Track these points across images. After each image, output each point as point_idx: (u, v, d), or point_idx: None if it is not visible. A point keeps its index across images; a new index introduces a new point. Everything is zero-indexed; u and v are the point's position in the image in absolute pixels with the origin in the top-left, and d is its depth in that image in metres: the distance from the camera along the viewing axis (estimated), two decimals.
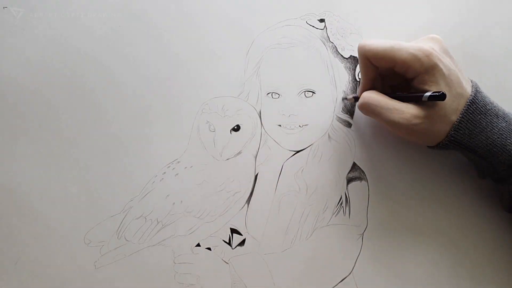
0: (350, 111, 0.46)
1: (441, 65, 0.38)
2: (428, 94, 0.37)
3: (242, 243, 0.45)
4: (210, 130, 0.45)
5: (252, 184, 0.45)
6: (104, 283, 0.44)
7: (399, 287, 0.45)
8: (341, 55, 0.46)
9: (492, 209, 0.45)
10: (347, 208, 0.45)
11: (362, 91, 0.42)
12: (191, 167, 0.45)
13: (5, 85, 0.45)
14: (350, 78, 0.46)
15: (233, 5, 0.46)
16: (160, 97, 0.45)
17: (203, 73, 0.46)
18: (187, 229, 0.44)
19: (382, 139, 0.45)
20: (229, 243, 0.45)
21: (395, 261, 0.45)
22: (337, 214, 0.45)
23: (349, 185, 0.45)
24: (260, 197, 0.45)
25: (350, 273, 0.45)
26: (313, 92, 0.46)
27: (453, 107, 0.38)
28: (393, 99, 0.40)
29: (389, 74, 0.42)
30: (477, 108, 0.39)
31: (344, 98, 0.45)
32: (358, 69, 0.46)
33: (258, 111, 0.46)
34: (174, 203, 0.44)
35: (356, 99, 0.43)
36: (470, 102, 0.39)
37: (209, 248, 0.45)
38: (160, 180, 0.45)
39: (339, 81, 0.46)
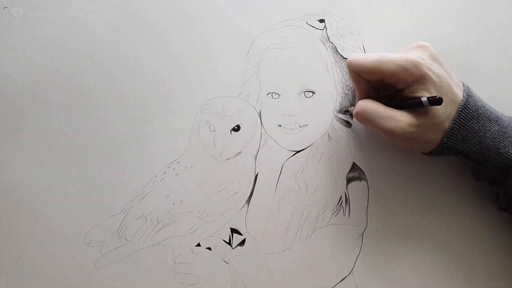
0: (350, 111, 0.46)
1: (430, 73, 0.38)
2: (425, 99, 0.37)
3: (242, 243, 0.45)
4: (210, 130, 0.45)
5: (252, 184, 0.45)
6: (104, 283, 0.44)
7: (398, 287, 0.45)
8: (341, 55, 0.46)
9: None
10: (347, 208, 0.45)
11: (359, 100, 0.42)
12: (191, 167, 0.45)
13: (5, 85, 0.45)
14: (350, 78, 0.46)
15: (233, 5, 0.46)
16: (160, 97, 0.45)
17: (203, 73, 0.46)
18: (187, 229, 0.44)
19: (382, 139, 0.45)
20: (229, 243, 0.45)
21: (394, 261, 0.45)
22: (337, 214, 0.45)
23: (349, 185, 0.45)
24: (260, 197, 0.45)
25: (350, 273, 0.45)
26: (313, 92, 0.46)
27: (446, 114, 0.39)
28: (388, 108, 0.40)
29: (381, 85, 0.42)
30: (469, 113, 0.39)
31: (346, 111, 0.45)
32: None
33: (258, 111, 0.46)
34: (174, 203, 0.44)
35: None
36: (461, 108, 0.39)
37: (209, 248, 0.45)
38: (160, 180, 0.45)
39: (339, 81, 0.46)
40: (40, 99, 0.45)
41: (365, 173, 0.45)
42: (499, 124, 0.39)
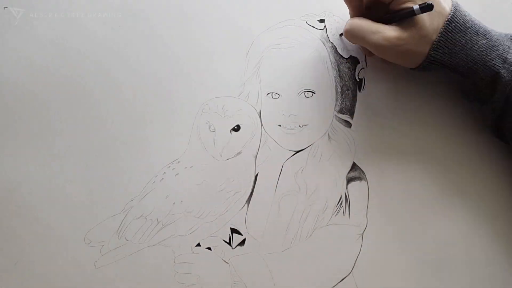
0: (350, 111, 0.46)
1: None
2: (417, 6, 0.38)
3: (242, 243, 0.45)
4: (210, 130, 0.45)
5: (252, 184, 0.45)
6: (104, 283, 0.44)
7: (398, 287, 0.45)
8: (341, 55, 0.46)
9: None
10: (347, 208, 0.45)
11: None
12: (191, 167, 0.45)
13: (5, 85, 0.45)
14: (350, 78, 0.46)
15: (233, 5, 0.46)
16: (160, 97, 0.45)
17: (203, 73, 0.46)
18: (187, 229, 0.44)
19: (381, 139, 0.45)
20: (229, 243, 0.45)
21: (394, 261, 0.45)
22: (337, 214, 0.45)
23: (349, 185, 0.45)
24: (260, 197, 0.45)
25: (350, 273, 0.45)
26: (313, 92, 0.46)
27: (433, 26, 0.39)
28: (377, 23, 0.40)
29: (372, 3, 0.42)
30: (456, 27, 0.39)
31: (341, 34, 0.45)
32: (358, 69, 0.46)
33: (258, 111, 0.46)
34: (174, 203, 0.44)
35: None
36: (448, 21, 0.39)
37: (209, 248, 0.45)
38: (160, 180, 0.45)
39: (339, 81, 0.46)
40: (40, 99, 0.45)
41: (365, 173, 0.45)
42: (487, 38, 0.39)
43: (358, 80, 0.46)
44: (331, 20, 0.46)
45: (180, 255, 0.44)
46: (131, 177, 0.45)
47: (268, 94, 0.46)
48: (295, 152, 0.46)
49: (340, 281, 0.45)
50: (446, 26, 0.39)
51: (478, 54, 0.39)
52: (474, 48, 0.39)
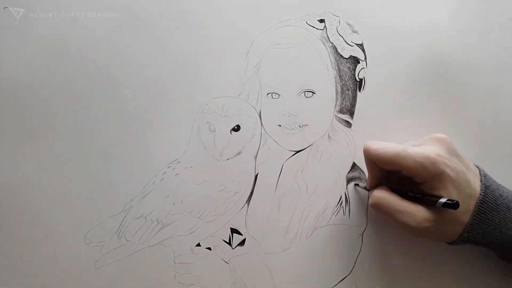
0: (350, 111, 0.46)
1: (448, 171, 0.38)
2: (442, 201, 0.37)
3: (242, 243, 0.45)
4: (210, 130, 0.45)
5: (252, 184, 0.45)
6: (104, 283, 0.44)
7: (398, 287, 0.45)
8: (341, 55, 0.46)
9: None
10: (347, 208, 0.45)
11: (371, 185, 0.42)
12: (191, 167, 0.45)
13: (5, 85, 0.45)
14: (350, 78, 0.46)
15: (233, 5, 0.46)
16: (160, 97, 0.45)
17: (203, 73, 0.46)
18: (187, 229, 0.44)
19: (381, 139, 0.45)
20: (229, 243, 0.45)
21: (394, 261, 0.45)
22: (337, 214, 0.45)
23: (349, 185, 0.45)
24: (260, 197, 0.45)
25: (350, 273, 0.45)
26: (313, 92, 0.46)
27: (463, 209, 0.38)
28: (403, 200, 0.39)
29: (399, 179, 0.42)
30: (488, 207, 0.38)
31: (356, 185, 0.45)
32: (358, 69, 0.46)
33: (258, 111, 0.46)
34: (174, 203, 0.44)
35: (366, 189, 0.44)
36: (480, 202, 0.38)
37: (209, 248, 0.45)
38: (161, 180, 0.45)
39: (339, 81, 0.46)
40: (40, 99, 0.45)
41: (365, 173, 0.45)
42: None
43: (358, 80, 0.46)
44: (331, 20, 0.46)
45: (180, 255, 0.44)
46: (131, 177, 0.45)
47: (268, 94, 0.46)
48: (295, 152, 0.46)
49: (340, 281, 0.45)
50: (479, 208, 0.38)
51: None
52: (508, 225, 0.38)
